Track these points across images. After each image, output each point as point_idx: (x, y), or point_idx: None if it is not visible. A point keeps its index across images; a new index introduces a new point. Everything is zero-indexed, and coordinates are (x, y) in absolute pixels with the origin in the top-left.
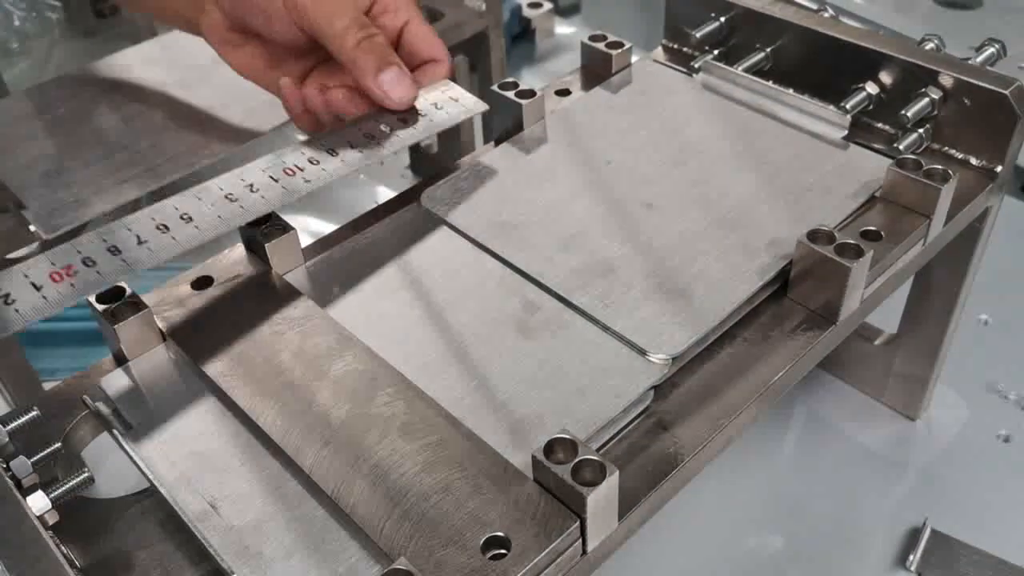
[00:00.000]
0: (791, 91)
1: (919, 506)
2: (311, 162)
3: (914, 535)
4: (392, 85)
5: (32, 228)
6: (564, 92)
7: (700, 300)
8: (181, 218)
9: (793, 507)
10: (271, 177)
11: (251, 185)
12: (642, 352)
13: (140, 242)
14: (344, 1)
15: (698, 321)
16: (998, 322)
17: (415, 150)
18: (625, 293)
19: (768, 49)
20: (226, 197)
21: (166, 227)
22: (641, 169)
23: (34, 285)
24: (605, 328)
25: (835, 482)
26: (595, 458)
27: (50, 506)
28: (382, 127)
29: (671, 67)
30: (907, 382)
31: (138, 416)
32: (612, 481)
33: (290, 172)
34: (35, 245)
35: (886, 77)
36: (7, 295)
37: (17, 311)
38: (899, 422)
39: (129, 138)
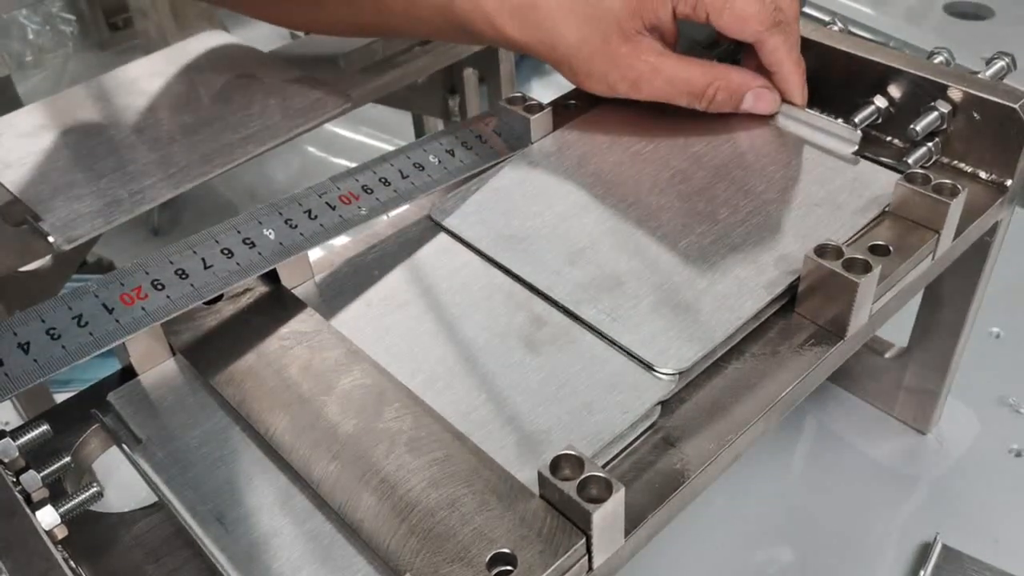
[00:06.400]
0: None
1: (930, 521)
2: (365, 190)
3: (925, 550)
4: (754, 107)
5: (50, 239)
6: (573, 106)
7: (707, 315)
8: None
9: (802, 521)
10: (328, 204)
11: (309, 212)
12: (649, 367)
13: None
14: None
15: (705, 336)
16: (1009, 335)
17: None
18: (633, 307)
19: None
20: (286, 223)
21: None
22: (650, 182)
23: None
24: (612, 342)
25: (845, 496)
26: (601, 474)
27: (59, 521)
28: (431, 157)
29: None
30: (918, 395)
31: (147, 430)
32: (618, 498)
33: (346, 200)
34: (48, 258)
35: (895, 91)
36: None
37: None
38: (910, 436)
39: (142, 148)
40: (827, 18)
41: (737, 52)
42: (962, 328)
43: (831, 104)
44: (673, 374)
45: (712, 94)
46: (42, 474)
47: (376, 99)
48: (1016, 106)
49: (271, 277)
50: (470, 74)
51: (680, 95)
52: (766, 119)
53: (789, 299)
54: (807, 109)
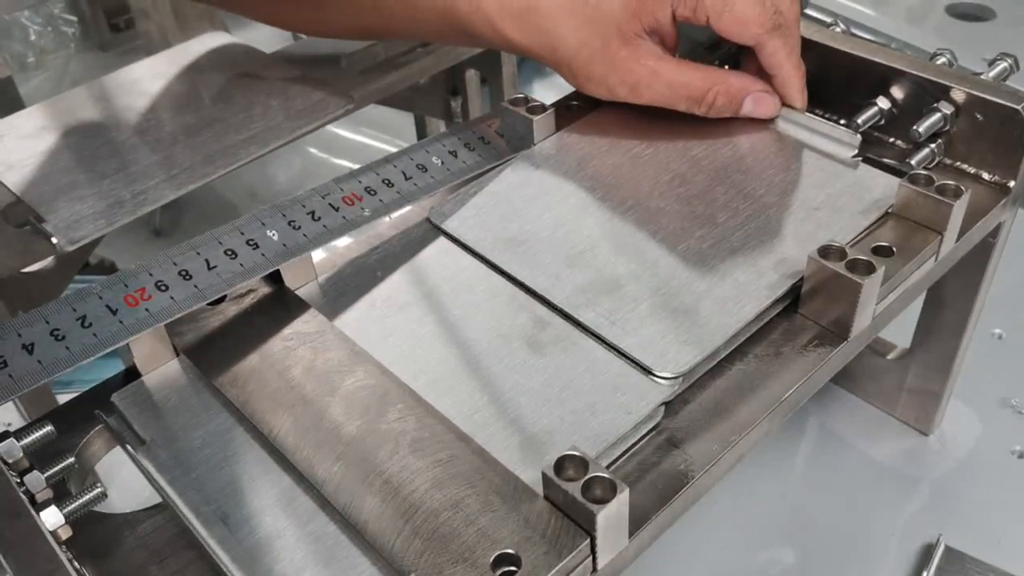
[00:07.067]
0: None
1: (932, 522)
2: (368, 191)
3: (927, 551)
4: (754, 111)
5: (53, 240)
6: (575, 107)
7: (707, 318)
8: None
9: (805, 522)
10: (331, 205)
11: (312, 213)
12: (647, 371)
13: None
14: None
15: (705, 340)
16: (1012, 337)
17: None
18: (632, 311)
19: None
20: (289, 224)
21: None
22: (650, 186)
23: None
24: (611, 346)
25: (847, 497)
26: (605, 475)
27: (63, 521)
28: (434, 158)
29: None
30: (920, 397)
31: (151, 431)
32: (622, 498)
33: (349, 201)
34: (51, 259)
35: (898, 92)
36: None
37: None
38: (912, 437)
39: (144, 149)
40: (829, 19)
41: (740, 53)
42: (964, 329)
43: (833, 105)
44: (671, 378)
45: (712, 99)
46: (46, 475)
47: (378, 100)
48: (1019, 107)
49: (274, 278)
50: (472, 75)
51: (679, 100)
52: (766, 122)
53: (792, 300)
54: (807, 112)
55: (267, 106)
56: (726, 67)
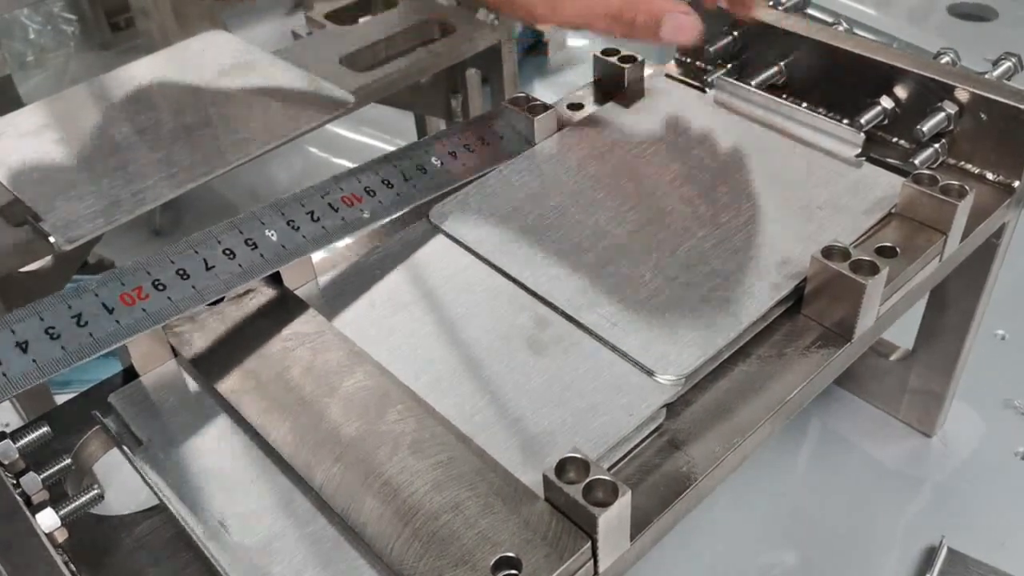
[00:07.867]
0: (804, 106)
1: (935, 524)
2: (368, 192)
3: (930, 553)
4: (675, 34)
5: (51, 239)
6: (576, 106)
7: (710, 319)
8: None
9: (807, 523)
10: (330, 205)
11: (311, 213)
12: (649, 373)
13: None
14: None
15: (707, 341)
16: (1015, 338)
17: None
18: (634, 312)
19: (782, 63)
20: (288, 224)
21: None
22: (652, 185)
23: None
24: (613, 348)
25: (850, 499)
26: (607, 478)
27: (59, 523)
28: (433, 159)
29: (684, 81)
30: (923, 398)
31: (148, 432)
32: (624, 501)
33: (348, 202)
34: (49, 258)
35: (901, 91)
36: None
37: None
38: (915, 438)
39: (143, 148)
40: (830, 19)
41: (741, 52)
42: (967, 330)
43: (837, 104)
44: (674, 379)
45: (631, 17)
46: (42, 476)
47: (378, 99)
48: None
49: (273, 278)
50: (473, 74)
51: (599, 18)
52: (769, 121)
53: (795, 301)
54: (810, 111)
55: (267, 105)
56: None
